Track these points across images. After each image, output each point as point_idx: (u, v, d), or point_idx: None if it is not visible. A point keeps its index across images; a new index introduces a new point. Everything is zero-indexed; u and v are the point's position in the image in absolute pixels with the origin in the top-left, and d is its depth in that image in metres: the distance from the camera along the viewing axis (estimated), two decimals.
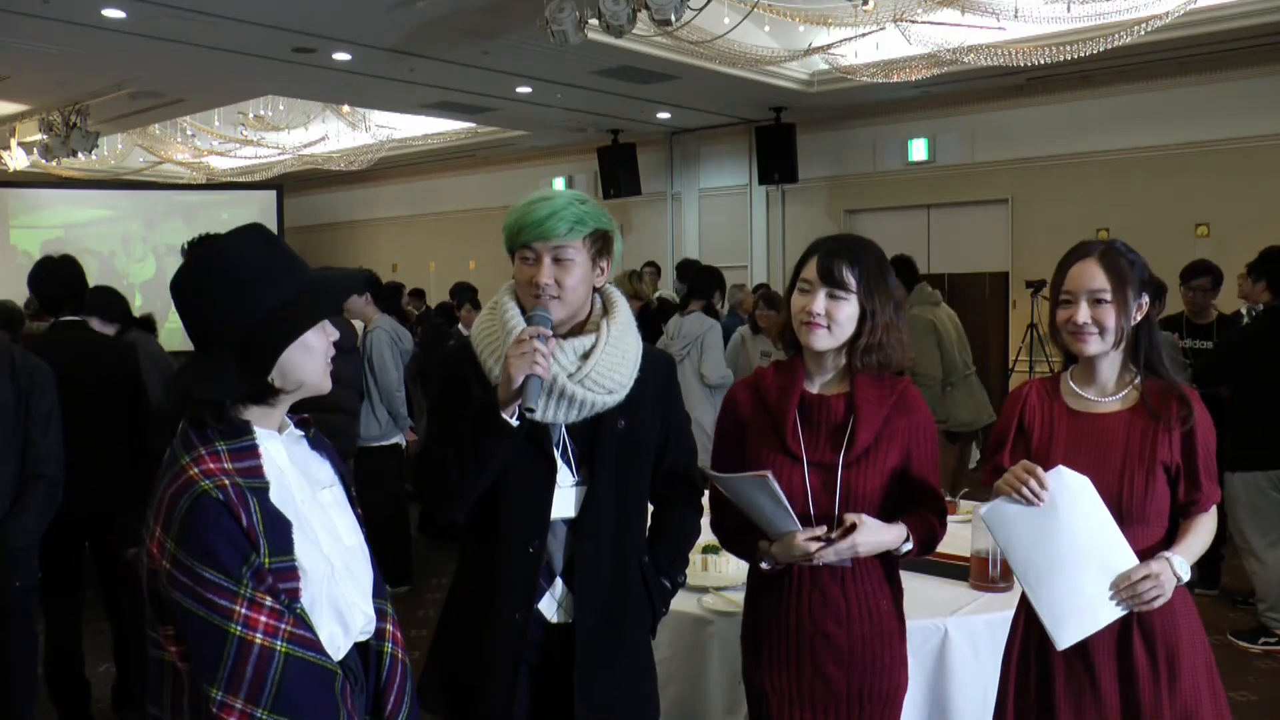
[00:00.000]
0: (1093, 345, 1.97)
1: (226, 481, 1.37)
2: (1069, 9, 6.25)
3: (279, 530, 1.40)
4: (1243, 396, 4.53)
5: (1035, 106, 8.93)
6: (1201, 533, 1.97)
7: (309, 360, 1.48)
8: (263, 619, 1.34)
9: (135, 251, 13.57)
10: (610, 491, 1.89)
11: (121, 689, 3.68)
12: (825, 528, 1.91)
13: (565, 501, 1.87)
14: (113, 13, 6.55)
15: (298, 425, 1.58)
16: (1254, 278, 4.80)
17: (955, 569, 2.83)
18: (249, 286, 1.43)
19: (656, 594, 2.02)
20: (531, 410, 1.73)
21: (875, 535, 1.91)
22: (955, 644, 2.47)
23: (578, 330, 1.89)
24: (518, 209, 1.86)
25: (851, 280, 1.94)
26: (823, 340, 1.95)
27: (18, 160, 10.53)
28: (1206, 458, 1.95)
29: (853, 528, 1.89)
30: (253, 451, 1.44)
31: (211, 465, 1.38)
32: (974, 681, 2.46)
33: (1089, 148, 8.69)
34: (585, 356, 1.83)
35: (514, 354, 1.74)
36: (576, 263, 1.85)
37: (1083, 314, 1.96)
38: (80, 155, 9.58)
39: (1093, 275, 1.97)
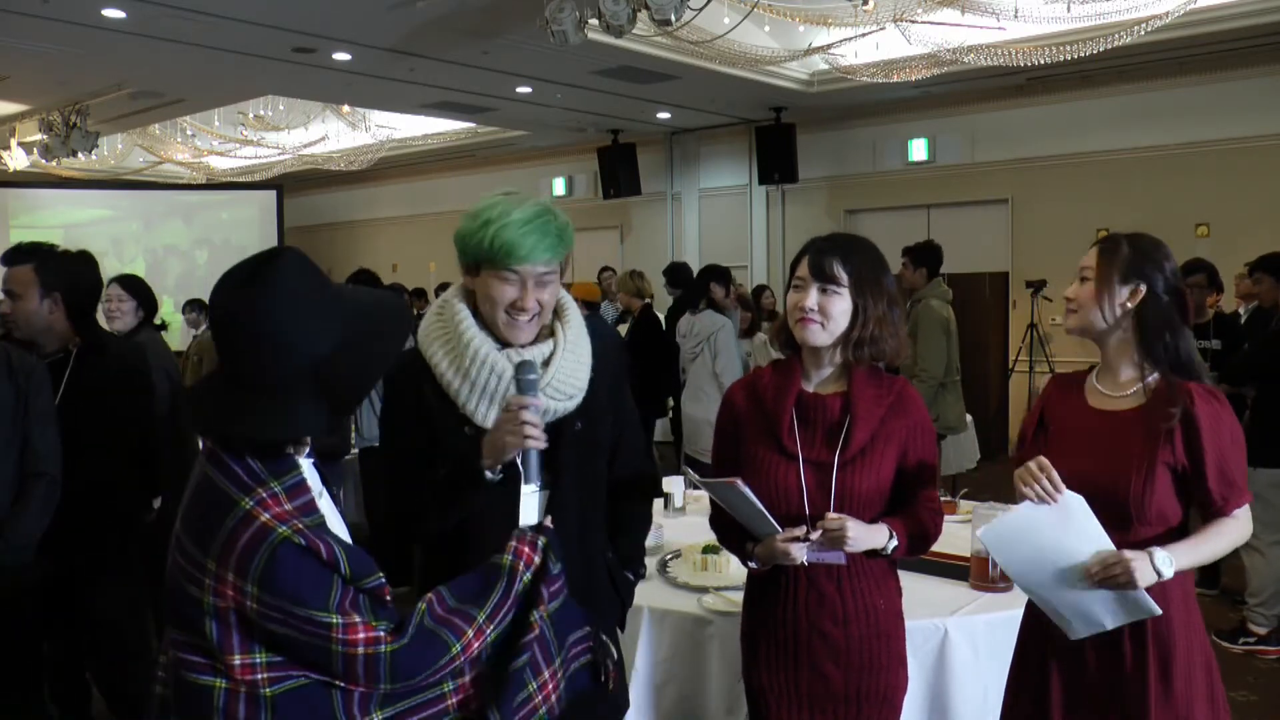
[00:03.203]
0: (1070, 321, 2.05)
1: (300, 524, 1.38)
2: (1069, 9, 6.26)
3: (356, 555, 1.42)
4: (1271, 395, 4.50)
5: (1035, 106, 8.94)
6: (1213, 537, 1.91)
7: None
8: (360, 634, 1.39)
9: (126, 253, 13.54)
10: (573, 493, 1.89)
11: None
12: (805, 528, 1.92)
13: (530, 508, 1.85)
14: (113, 13, 6.56)
15: None
16: (1269, 278, 4.80)
17: (955, 569, 2.83)
18: (307, 321, 1.39)
19: (623, 588, 2.03)
20: (537, 484, 1.76)
21: (860, 533, 1.91)
22: (955, 644, 2.46)
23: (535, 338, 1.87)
24: (492, 226, 1.76)
25: (843, 275, 1.96)
26: (817, 335, 1.97)
27: (18, 160, 10.54)
28: (1219, 459, 1.88)
29: (838, 528, 1.89)
30: (303, 487, 1.43)
31: (276, 509, 1.38)
32: (974, 681, 2.46)
33: (1089, 148, 8.69)
34: (545, 364, 1.81)
35: (507, 428, 1.71)
36: (555, 280, 1.83)
37: (1071, 289, 2.04)
38: (80, 155, 9.58)
39: (1088, 256, 2.03)
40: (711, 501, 2.13)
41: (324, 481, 1.61)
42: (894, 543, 1.96)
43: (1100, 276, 1.96)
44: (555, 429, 1.85)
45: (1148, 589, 1.83)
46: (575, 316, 1.92)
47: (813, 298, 1.95)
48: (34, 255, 2.95)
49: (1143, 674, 1.90)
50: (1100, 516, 1.85)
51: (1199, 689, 1.92)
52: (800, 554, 1.92)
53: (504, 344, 1.83)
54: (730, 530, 2.08)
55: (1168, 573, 1.82)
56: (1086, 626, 1.90)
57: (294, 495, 1.40)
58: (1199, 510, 1.93)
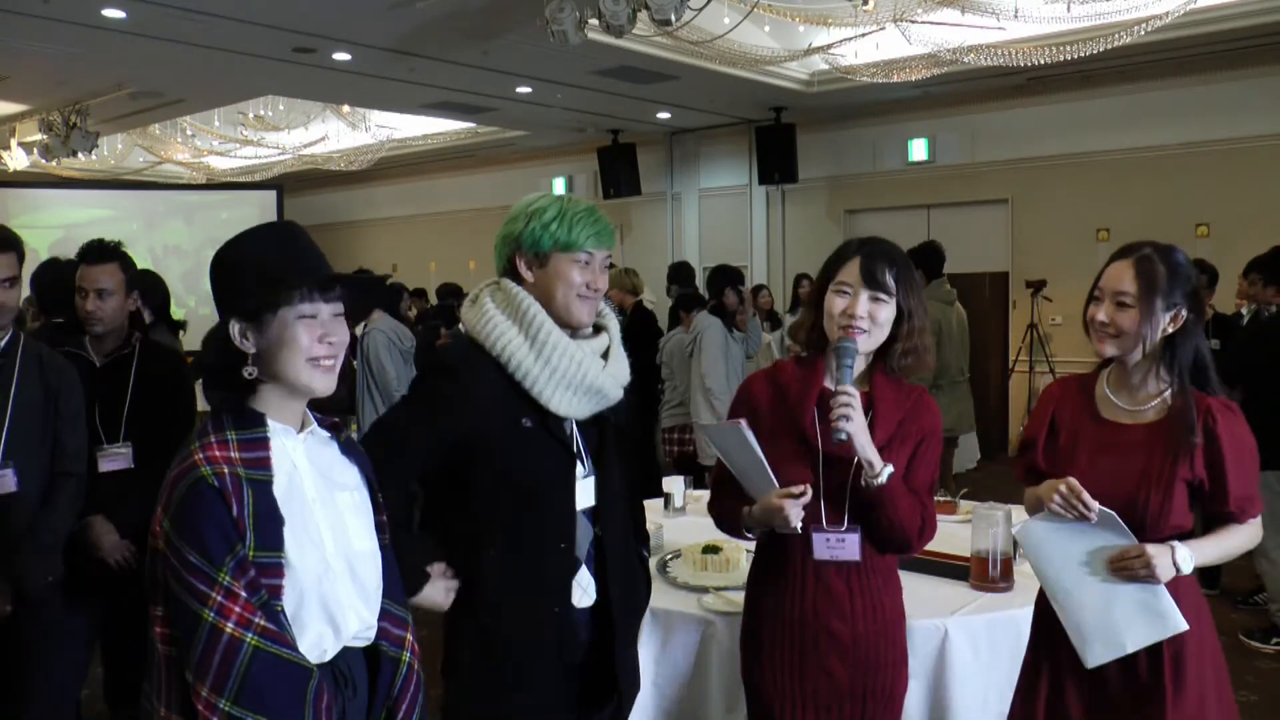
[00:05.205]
0: (1108, 347, 1.96)
1: (225, 470, 1.39)
2: (1069, 9, 6.26)
3: (270, 524, 1.42)
4: (1257, 396, 4.50)
5: (1035, 106, 8.93)
6: (1227, 539, 1.94)
7: (287, 355, 1.46)
8: (236, 609, 1.36)
9: (135, 252, 13.53)
10: (619, 480, 2.02)
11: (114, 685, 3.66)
12: (803, 487, 1.89)
13: (585, 492, 1.96)
14: (113, 13, 6.56)
15: (329, 428, 1.60)
16: (1264, 280, 4.80)
17: (955, 569, 2.82)
18: (242, 274, 1.47)
19: (648, 575, 2.17)
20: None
21: (864, 431, 1.90)
22: (955, 644, 2.46)
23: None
24: (568, 215, 1.92)
25: (892, 283, 1.96)
26: (864, 343, 1.97)
27: (18, 160, 10.53)
28: (1237, 471, 1.91)
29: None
30: (262, 443, 1.46)
31: (217, 453, 1.41)
32: (974, 681, 2.46)
33: (1089, 148, 8.68)
34: (604, 355, 1.97)
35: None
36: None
37: (1103, 313, 1.95)
38: (80, 155, 9.58)
39: (1121, 277, 1.94)
40: (713, 483, 2.18)
41: (371, 487, 1.63)
42: (889, 469, 1.91)
43: (1144, 305, 1.90)
44: (598, 419, 1.99)
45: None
46: (613, 317, 2.08)
47: (863, 305, 1.95)
48: (116, 254, 3.01)
49: (1159, 679, 1.90)
50: None
51: (1209, 689, 1.93)
52: (796, 517, 1.89)
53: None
54: (729, 510, 2.08)
55: (1187, 569, 1.87)
56: (1106, 648, 1.90)
57: (248, 448, 1.44)
58: (1213, 520, 1.95)
